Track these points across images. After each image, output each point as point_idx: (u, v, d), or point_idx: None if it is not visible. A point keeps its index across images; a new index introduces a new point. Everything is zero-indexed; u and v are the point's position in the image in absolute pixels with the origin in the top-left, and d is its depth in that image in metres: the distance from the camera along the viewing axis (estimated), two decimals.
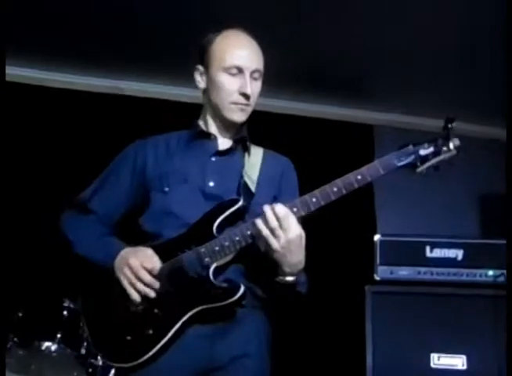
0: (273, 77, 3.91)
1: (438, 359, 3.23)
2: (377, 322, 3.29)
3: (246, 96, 2.08)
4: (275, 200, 2.10)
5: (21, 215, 3.86)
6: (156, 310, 1.97)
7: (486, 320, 3.21)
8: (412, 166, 1.94)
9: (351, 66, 4.11)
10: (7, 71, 4.16)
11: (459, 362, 3.22)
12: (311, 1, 3.45)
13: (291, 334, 4.03)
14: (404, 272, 3.39)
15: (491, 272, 3.35)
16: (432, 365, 3.23)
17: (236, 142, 2.18)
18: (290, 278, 1.94)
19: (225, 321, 1.97)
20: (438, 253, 3.42)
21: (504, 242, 2.91)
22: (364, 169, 1.92)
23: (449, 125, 1.93)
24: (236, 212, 1.99)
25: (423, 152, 1.92)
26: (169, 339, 1.94)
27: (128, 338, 1.98)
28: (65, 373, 3.24)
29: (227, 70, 2.08)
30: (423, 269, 3.39)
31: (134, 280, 1.95)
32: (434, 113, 4.72)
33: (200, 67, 2.15)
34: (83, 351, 3.14)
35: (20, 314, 3.23)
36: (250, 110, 2.14)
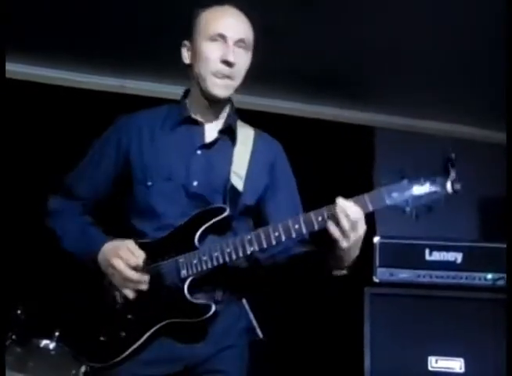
0: (274, 79, 3.94)
1: (436, 362, 3.23)
2: (376, 324, 3.30)
3: (228, 64, 1.99)
4: (265, 192, 2.10)
5: (22, 213, 3.86)
6: (129, 315, 1.97)
7: (484, 324, 3.21)
8: (402, 206, 1.81)
9: (352, 67, 4.10)
10: (11, 69, 4.24)
11: (456, 365, 3.22)
12: (313, 2, 3.45)
13: (290, 335, 4.04)
14: (403, 274, 3.39)
15: (490, 276, 3.35)
16: (430, 368, 3.23)
17: (222, 132, 2.11)
18: (344, 271, 1.93)
19: (196, 331, 1.96)
20: (438, 256, 3.42)
21: (504, 246, 2.90)
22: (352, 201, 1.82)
23: (449, 163, 1.80)
24: (221, 221, 1.96)
25: (417, 190, 1.80)
26: (142, 344, 1.94)
27: (102, 338, 1.98)
28: (63, 371, 3.23)
29: (210, 38, 2.01)
30: (422, 272, 3.40)
31: (122, 281, 1.94)
32: (435, 115, 4.73)
33: (187, 42, 2.09)
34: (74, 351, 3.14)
35: (19, 312, 3.23)
36: (233, 84, 2.05)
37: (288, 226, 1.85)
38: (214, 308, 1.89)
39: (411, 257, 3.42)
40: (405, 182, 1.80)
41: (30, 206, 3.90)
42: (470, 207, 4.70)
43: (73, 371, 3.21)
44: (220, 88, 2.02)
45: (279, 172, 2.16)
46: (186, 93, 2.19)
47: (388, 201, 1.80)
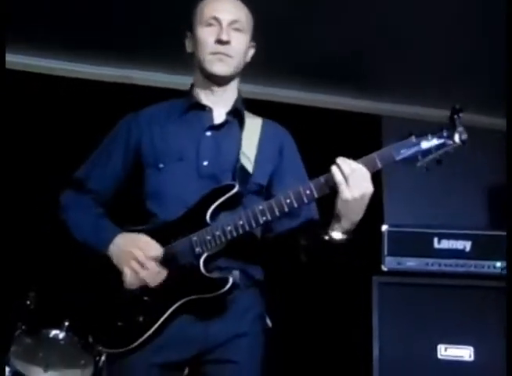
0: (282, 68, 3.93)
1: (445, 351, 3.23)
2: (384, 313, 3.29)
3: (221, 42, 2.06)
4: (274, 174, 2.12)
5: (29, 205, 3.88)
6: (146, 297, 1.97)
7: (493, 312, 3.20)
8: (412, 159, 1.84)
9: (359, 56, 4.09)
10: (15, 60, 4.25)
11: (466, 353, 3.22)
12: None
13: (299, 323, 4.04)
14: (411, 263, 3.39)
15: (498, 264, 3.34)
16: (439, 356, 3.23)
17: (230, 114, 2.15)
18: (341, 236, 1.90)
19: (215, 308, 1.97)
20: (446, 244, 3.41)
21: None
22: (361, 161, 1.84)
23: (455, 116, 1.83)
24: (231, 198, 1.97)
25: (425, 145, 1.83)
26: (159, 326, 1.94)
27: (120, 324, 1.98)
28: (72, 361, 3.26)
29: (205, 22, 2.09)
30: (430, 260, 3.39)
31: (142, 272, 1.94)
32: (442, 103, 4.69)
33: (189, 33, 2.17)
34: (90, 339, 3.15)
35: (28, 302, 3.24)
36: (231, 62, 2.10)
37: (299, 192, 1.87)
38: (231, 280, 1.90)
39: (419, 245, 3.40)
40: (412, 138, 1.84)
41: (34, 196, 3.94)
42: (479, 194, 4.68)
43: (83, 361, 3.23)
44: (218, 64, 2.09)
45: (287, 157, 2.18)
46: (193, 85, 2.23)
47: (397, 157, 1.83)
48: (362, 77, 4.38)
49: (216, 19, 2.08)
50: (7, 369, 3.14)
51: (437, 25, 3.69)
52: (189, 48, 2.18)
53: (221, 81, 2.14)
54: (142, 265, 1.94)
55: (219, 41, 2.06)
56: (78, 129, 4.18)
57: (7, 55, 4.10)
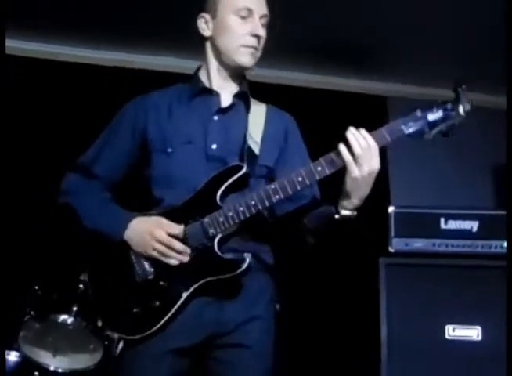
0: (288, 50, 3.92)
1: (453, 331, 3.23)
2: (392, 294, 3.29)
3: (257, 38, 2.07)
4: (280, 157, 2.13)
5: (37, 190, 3.88)
6: (162, 282, 1.98)
7: (501, 291, 3.19)
8: (419, 132, 1.88)
9: (364, 37, 4.07)
10: (15, 45, 4.23)
11: (474, 333, 3.21)
12: None
13: (306, 306, 4.05)
14: (418, 244, 3.37)
15: (506, 244, 3.33)
16: (447, 336, 3.22)
17: (236, 97, 2.15)
18: (350, 213, 1.91)
19: (232, 288, 1.98)
20: (453, 225, 3.39)
21: None
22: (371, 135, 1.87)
23: (459, 88, 1.86)
24: (239, 179, 1.98)
25: (431, 117, 1.86)
26: (176, 311, 1.95)
27: (136, 310, 1.99)
28: (81, 345, 3.27)
29: (237, 12, 2.06)
30: (437, 241, 3.37)
31: (167, 251, 1.95)
32: (448, 83, 4.67)
33: (206, 15, 2.12)
34: (99, 323, 3.16)
35: (36, 287, 3.25)
36: (258, 55, 2.11)
37: (310, 169, 1.89)
38: (248, 260, 1.90)
39: (426, 226, 3.39)
40: (418, 112, 1.88)
41: (40, 182, 3.95)
42: (486, 174, 4.67)
43: (92, 346, 3.25)
44: (247, 57, 2.08)
45: (292, 141, 2.19)
46: (199, 67, 2.22)
47: (406, 130, 1.86)
48: (368, 58, 4.36)
49: (250, 10, 2.06)
50: (16, 354, 3.17)
51: (441, 4, 3.67)
52: (205, 31, 2.14)
53: (241, 71, 2.15)
54: (167, 245, 1.94)
55: (255, 36, 2.06)
56: (79, 114, 4.18)
57: (7, 40, 4.14)
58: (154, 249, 1.96)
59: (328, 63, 4.46)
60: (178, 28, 3.77)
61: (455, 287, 3.26)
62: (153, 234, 1.96)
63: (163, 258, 1.96)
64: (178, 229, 1.97)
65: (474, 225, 3.39)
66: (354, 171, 1.83)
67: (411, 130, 1.87)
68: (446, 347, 3.21)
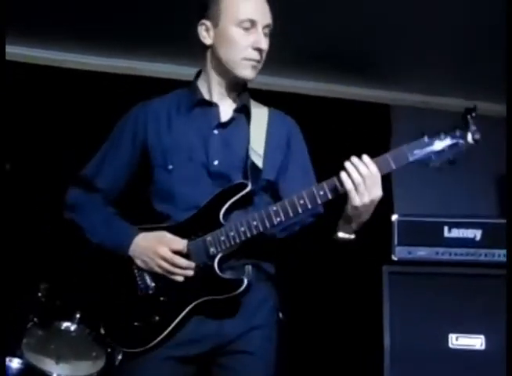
0: (290, 58, 3.92)
1: (457, 340, 3.22)
2: (395, 302, 3.28)
3: (259, 51, 2.03)
4: (282, 166, 2.11)
5: (41, 198, 3.89)
6: (162, 297, 1.98)
7: (504, 300, 3.18)
8: (425, 160, 1.84)
9: (367, 45, 4.08)
10: (18, 52, 4.25)
11: (477, 342, 3.21)
12: None
13: (309, 314, 4.05)
14: (422, 252, 3.37)
15: None
16: (450, 345, 3.22)
17: (237, 111, 2.13)
18: (348, 236, 1.92)
19: (229, 307, 1.98)
20: (456, 233, 3.39)
21: None
22: (373, 162, 1.85)
23: (468, 116, 1.81)
24: (243, 197, 1.97)
25: (438, 145, 1.82)
26: (175, 326, 1.95)
27: (136, 323, 1.99)
28: (84, 353, 3.27)
29: (240, 23, 2.01)
30: (441, 250, 3.37)
31: (171, 269, 1.95)
32: (451, 92, 4.68)
33: (207, 22, 2.06)
34: (102, 331, 3.16)
35: (40, 294, 3.25)
36: (259, 67, 2.08)
37: (313, 193, 1.88)
38: (246, 282, 1.90)
39: (429, 234, 3.39)
40: (425, 138, 1.83)
41: (44, 188, 3.95)
42: (489, 183, 4.66)
43: (94, 353, 3.25)
44: (250, 72, 2.05)
45: (294, 148, 2.17)
46: (198, 74, 2.19)
47: (411, 158, 1.83)
48: (371, 66, 4.37)
49: (253, 22, 2.01)
50: (19, 361, 3.17)
51: (445, 13, 3.67)
52: (205, 38, 2.08)
53: (242, 83, 2.12)
54: (170, 262, 1.94)
55: (257, 49, 2.02)
56: (82, 121, 4.19)
57: (11, 47, 4.15)
58: (159, 267, 1.97)
59: (331, 71, 4.46)
60: (181, 35, 3.78)
61: (458, 296, 3.25)
62: (156, 252, 1.96)
63: (168, 275, 1.96)
64: (181, 244, 1.96)
65: (477, 233, 3.38)
66: (355, 199, 1.82)
67: (416, 157, 1.83)
68: (449, 356, 3.20)
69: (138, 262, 2.00)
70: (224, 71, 2.08)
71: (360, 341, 3.96)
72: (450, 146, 1.82)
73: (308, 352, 4.01)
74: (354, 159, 1.84)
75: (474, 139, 1.81)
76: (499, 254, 3.33)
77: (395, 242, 3.39)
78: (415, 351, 3.21)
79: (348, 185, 1.82)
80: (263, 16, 2.04)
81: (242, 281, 1.91)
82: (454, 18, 3.71)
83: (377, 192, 1.83)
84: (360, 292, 4.04)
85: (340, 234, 1.92)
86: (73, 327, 3.19)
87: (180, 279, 1.95)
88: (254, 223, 1.91)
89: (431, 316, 3.24)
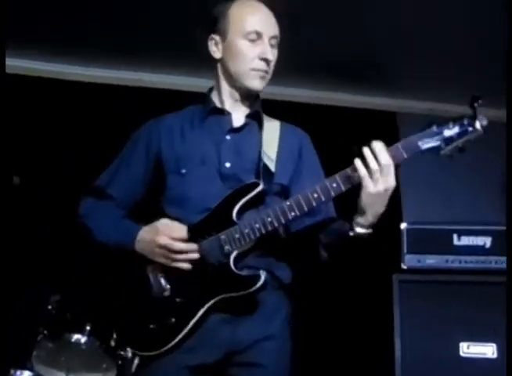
0: (297, 66, 3.93)
1: (468, 348, 3.20)
2: (405, 311, 3.27)
3: (266, 62, 2.07)
4: (294, 173, 2.13)
5: (51, 212, 3.90)
6: (177, 299, 1.98)
7: None
8: (436, 148, 1.86)
9: (374, 53, 4.09)
10: (26, 65, 4.28)
11: (489, 350, 3.19)
12: None
13: (320, 323, 4.03)
14: (431, 260, 3.36)
15: None
16: (462, 354, 3.20)
17: (249, 117, 2.17)
18: (364, 230, 1.92)
19: (248, 306, 1.98)
20: (466, 241, 3.38)
21: None
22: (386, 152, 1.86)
23: (475, 104, 1.83)
24: (256, 196, 1.98)
25: (447, 133, 1.84)
26: (192, 327, 1.95)
27: (152, 326, 1.99)
28: (94, 365, 3.27)
29: (246, 35, 2.07)
30: (450, 258, 3.36)
31: (173, 256, 1.96)
32: (458, 99, 4.68)
33: (216, 37, 2.13)
34: (112, 343, 3.17)
35: (50, 307, 3.26)
36: (268, 77, 2.12)
37: (326, 186, 1.89)
38: (263, 277, 1.90)
39: (439, 242, 3.38)
40: (434, 127, 1.86)
41: (54, 200, 3.96)
42: (498, 190, 4.64)
43: (105, 365, 3.24)
44: (257, 81, 2.09)
45: (306, 157, 2.20)
46: (210, 90, 2.24)
47: (422, 146, 1.85)
48: (377, 74, 4.37)
49: (259, 33, 2.07)
50: (29, 373, 3.17)
51: (450, 19, 3.68)
52: (215, 52, 2.15)
53: (253, 94, 2.16)
54: (169, 249, 1.95)
55: (264, 60, 2.07)
56: (89, 133, 4.21)
57: (16, 60, 4.19)
58: (161, 256, 1.97)
59: (338, 80, 4.47)
60: (188, 46, 3.82)
61: (469, 304, 3.23)
62: (156, 241, 1.97)
63: (172, 264, 1.97)
64: (181, 231, 1.97)
65: (487, 241, 3.37)
66: (369, 186, 1.83)
67: (427, 146, 1.85)
68: (461, 364, 3.18)
69: (148, 256, 2.00)
70: (234, 83, 2.13)
71: (371, 350, 3.94)
72: (459, 134, 1.84)
73: (318, 361, 3.99)
74: (371, 144, 1.86)
75: (481, 125, 1.82)
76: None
77: (405, 250, 3.38)
78: (426, 359, 3.19)
79: (362, 171, 1.83)
80: (269, 27, 2.10)
81: (259, 277, 1.91)
82: (459, 26, 3.72)
83: (391, 180, 1.84)
84: (370, 301, 4.03)
85: (358, 229, 1.91)
86: (83, 340, 3.19)
87: (183, 265, 1.95)
88: (269, 219, 1.91)
89: (442, 325, 3.23)
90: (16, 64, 4.24)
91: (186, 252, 1.96)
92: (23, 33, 3.91)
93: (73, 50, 4.25)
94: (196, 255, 1.96)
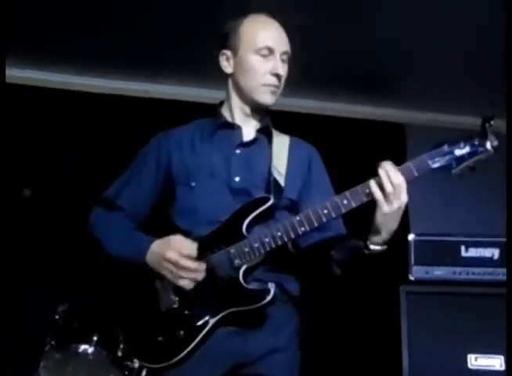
0: (305, 77, 3.94)
1: (476, 360, 3.19)
2: (413, 322, 3.26)
3: (278, 77, 2.09)
4: (303, 188, 2.14)
5: (57, 220, 3.91)
6: (186, 311, 1.98)
7: None
8: (446, 168, 1.89)
9: (382, 64, 4.10)
10: (30, 76, 4.31)
11: (496, 362, 3.17)
12: (340, 6, 3.46)
13: (327, 334, 4.02)
14: (439, 272, 3.35)
15: None
16: (469, 366, 3.18)
17: (259, 132, 2.18)
18: (380, 247, 1.93)
19: (257, 319, 1.98)
20: (474, 252, 3.37)
21: None
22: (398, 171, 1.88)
23: (487, 124, 1.86)
24: (266, 210, 1.99)
25: (458, 152, 1.87)
26: (200, 340, 1.95)
27: (160, 338, 1.99)
28: (101, 375, 3.26)
29: (258, 51, 2.09)
30: (458, 269, 3.35)
31: (179, 272, 1.95)
32: (465, 110, 4.68)
33: (227, 52, 2.15)
34: (119, 353, 3.16)
35: (57, 317, 3.26)
36: (279, 92, 2.14)
37: (336, 202, 1.90)
38: (272, 292, 1.91)
39: (446, 254, 3.37)
40: (445, 146, 1.88)
41: (60, 211, 3.98)
42: (505, 201, 4.63)
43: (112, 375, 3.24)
44: (268, 96, 2.12)
45: (315, 172, 2.21)
46: (220, 103, 2.26)
47: (432, 165, 1.87)
48: (385, 85, 4.38)
49: (270, 49, 2.09)
50: None
51: (457, 32, 3.69)
52: (226, 68, 2.17)
53: (262, 108, 2.18)
54: (176, 264, 1.94)
55: (275, 75, 2.09)
56: (96, 144, 4.22)
57: (23, 71, 4.21)
58: (165, 269, 1.97)
59: (346, 91, 4.49)
60: (195, 58, 3.84)
61: (476, 316, 3.22)
62: (164, 255, 1.96)
63: (176, 280, 1.96)
64: (190, 248, 1.96)
65: (495, 252, 3.36)
66: (384, 207, 1.85)
67: (438, 164, 1.87)
68: None
69: (155, 269, 2.00)
70: (245, 97, 2.15)
71: (378, 362, 3.93)
72: (470, 154, 1.87)
73: (327, 373, 3.98)
74: (385, 166, 1.86)
75: (492, 146, 1.85)
76: None
77: (412, 262, 3.37)
78: (434, 371, 3.17)
79: (378, 194, 1.85)
80: (280, 43, 2.12)
81: (268, 291, 1.91)
82: (465, 38, 3.73)
83: (404, 197, 1.86)
84: (378, 312, 4.02)
85: (372, 247, 1.93)
86: (90, 350, 3.19)
87: (186, 283, 1.94)
88: (279, 234, 1.92)
89: (450, 336, 3.21)
90: (24, 76, 4.28)
91: (192, 270, 1.95)
92: (32, 44, 3.95)
93: (80, 61, 4.27)
94: (201, 275, 1.95)
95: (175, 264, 1.95)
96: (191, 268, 1.95)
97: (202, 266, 1.95)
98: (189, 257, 1.95)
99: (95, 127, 4.31)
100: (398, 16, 3.57)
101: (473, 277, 3.34)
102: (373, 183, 1.86)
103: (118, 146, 4.07)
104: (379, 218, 1.87)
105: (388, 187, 1.84)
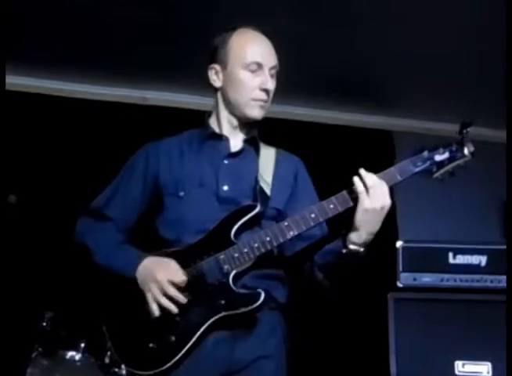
0: (293, 85, 3.95)
1: (463, 367, 3.20)
2: (401, 329, 3.27)
3: (266, 92, 2.11)
4: (290, 198, 2.15)
5: (48, 228, 3.90)
6: (177, 318, 1.97)
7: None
8: (428, 172, 1.95)
9: (370, 72, 4.11)
10: (31, 83, 4.30)
11: (484, 369, 3.19)
12: (331, 7, 3.46)
13: (315, 341, 4.02)
14: (427, 278, 3.37)
15: None
16: (457, 372, 3.20)
17: (246, 142, 2.20)
18: (357, 247, 1.93)
19: (245, 325, 1.98)
20: (461, 259, 3.39)
21: None
22: (381, 175, 1.92)
23: (464, 130, 1.93)
24: (253, 218, 2.01)
25: (438, 158, 1.94)
26: (191, 346, 1.95)
27: (151, 345, 1.98)
28: None
29: (247, 66, 2.11)
30: (446, 276, 3.37)
31: (159, 296, 1.95)
32: (453, 118, 4.69)
33: (216, 66, 2.17)
34: (107, 360, 3.15)
35: (44, 324, 3.25)
36: (267, 106, 2.16)
37: (323, 207, 1.93)
38: (263, 295, 1.91)
39: (434, 261, 3.39)
40: (425, 152, 1.95)
41: (52, 219, 3.96)
42: (494, 208, 4.66)
43: None
44: (257, 110, 2.14)
45: (301, 182, 2.23)
46: (209, 114, 2.27)
47: (414, 170, 1.93)
48: (373, 93, 4.40)
49: (259, 64, 2.11)
50: None
51: (448, 39, 3.71)
52: (215, 81, 2.19)
53: (251, 121, 2.19)
54: (161, 290, 1.95)
55: (264, 90, 2.11)
56: (94, 150, 4.21)
57: (20, 78, 4.21)
58: (149, 289, 1.97)
59: (335, 98, 4.50)
60: (192, 65, 3.84)
61: (464, 323, 3.24)
62: (154, 276, 1.97)
63: (155, 299, 1.96)
64: (180, 277, 1.96)
65: (482, 259, 3.38)
66: (365, 201, 1.87)
67: (419, 169, 1.94)
68: None
69: (139, 283, 2.00)
70: (234, 111, 2.17)
71: (367, 369, 3.93)
72: (449, 159, 1.94)
73: None
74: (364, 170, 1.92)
75: (469, 152, 1.92)
76: (505, 280, 3.32)
77: (400, 269, 3.39)
78: None
79: (360, 186, 1.88)
80: (269, 58, 2.14)
81: (259, 294, 1.92)
82: (455, 45, 3.75)
83: (387, 199, 1.89)
84: (366, 319, 4.02)
85: (351, 246, 1.93)
86: (78, 357, 3.18)
87: (156, 312, 1.95)
88: (268, 239, 1.94)
89: (437, 343, 3.23)
90: (21, 82, 4.27)
91: (175, 300, 1.95)
92: (30, 51, 3.94)
93: (77, 68, 4.26)
94: (175, 309, 1.94)
95: (161, 288, 1.95)
96: (174, 297, 1.95)
97: (181, 299, 1.95)
98: (177, 287, 1.95)
99: (92, 135, 4.29)
100: (386, 24, 3.59)
101: (460, 284, 3.36)
102: (356, 178, 1.90)
103: (115, 153, 4.06)
104: (359, 214, 1.89)
105: (369, 180, 1.88)
